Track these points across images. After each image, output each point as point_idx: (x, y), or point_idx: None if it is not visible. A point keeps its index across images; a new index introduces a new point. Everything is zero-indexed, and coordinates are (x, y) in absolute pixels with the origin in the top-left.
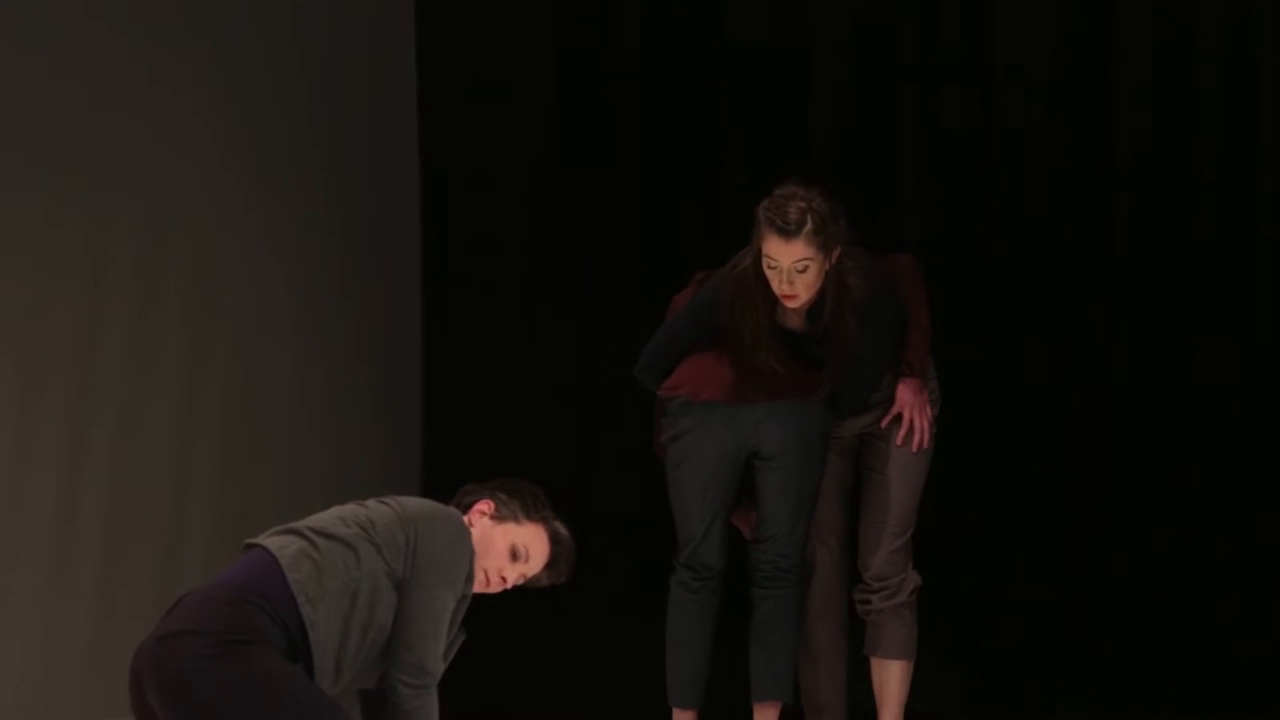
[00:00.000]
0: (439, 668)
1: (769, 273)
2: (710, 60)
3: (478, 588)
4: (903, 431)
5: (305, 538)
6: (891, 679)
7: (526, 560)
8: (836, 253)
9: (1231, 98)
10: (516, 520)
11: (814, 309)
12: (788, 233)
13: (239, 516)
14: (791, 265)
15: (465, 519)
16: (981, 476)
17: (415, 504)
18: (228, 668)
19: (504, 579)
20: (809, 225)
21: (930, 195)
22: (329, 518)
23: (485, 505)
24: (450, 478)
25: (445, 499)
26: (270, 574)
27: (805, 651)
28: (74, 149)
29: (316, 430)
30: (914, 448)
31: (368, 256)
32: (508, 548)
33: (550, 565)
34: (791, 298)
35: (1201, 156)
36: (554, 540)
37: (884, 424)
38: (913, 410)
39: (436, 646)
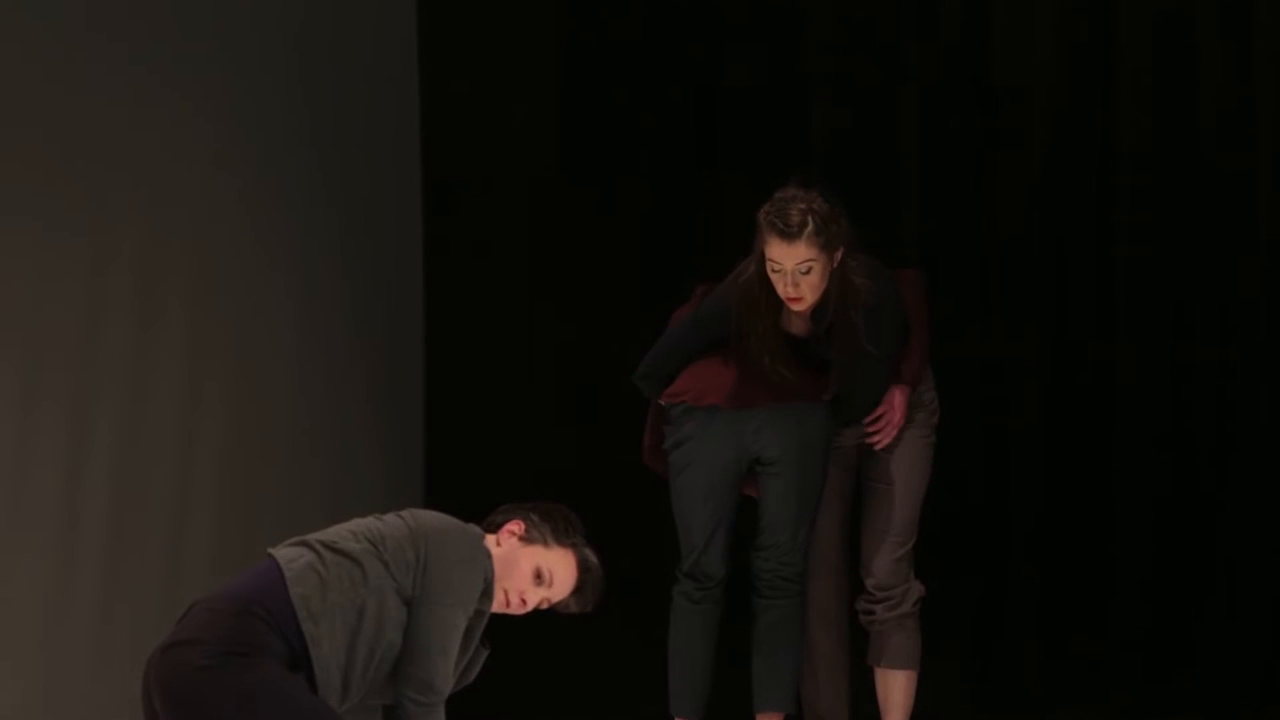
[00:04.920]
0: (447, 686)
1: (773, 276)
2: (710, 62)
3: (498, 608)
4: (875, 421)
5: (315, 551)
6: (896, 689)
7: (550, 585)
8: (839, 253)
9: (1232, 98)
10: (545, 543)
11: (819, 310)
12: (790, 235)
13: (240, 524)
14: (795, 267)
15: (494, 538)
16: (981, 482)
17: (430, 520)
18: (226, 677)
19: (524, 601)
20: (810, 226)
21: (930, 196)
22: (342, 531)
23: (516, 525)
24: (452, 479)
25: (447, 500)
26: (275, 586)
27: (807, 661)
28: (74, 155)
29: (318, 436)
30: (876, 443)
31: (369, 262)
32: (532, 570)
33: (576, 592)
34: (797, 300)
35: (1203, 159)
36: (583, 567)
37: (870, 430)
38: (892, 411)
39: (445, 664)
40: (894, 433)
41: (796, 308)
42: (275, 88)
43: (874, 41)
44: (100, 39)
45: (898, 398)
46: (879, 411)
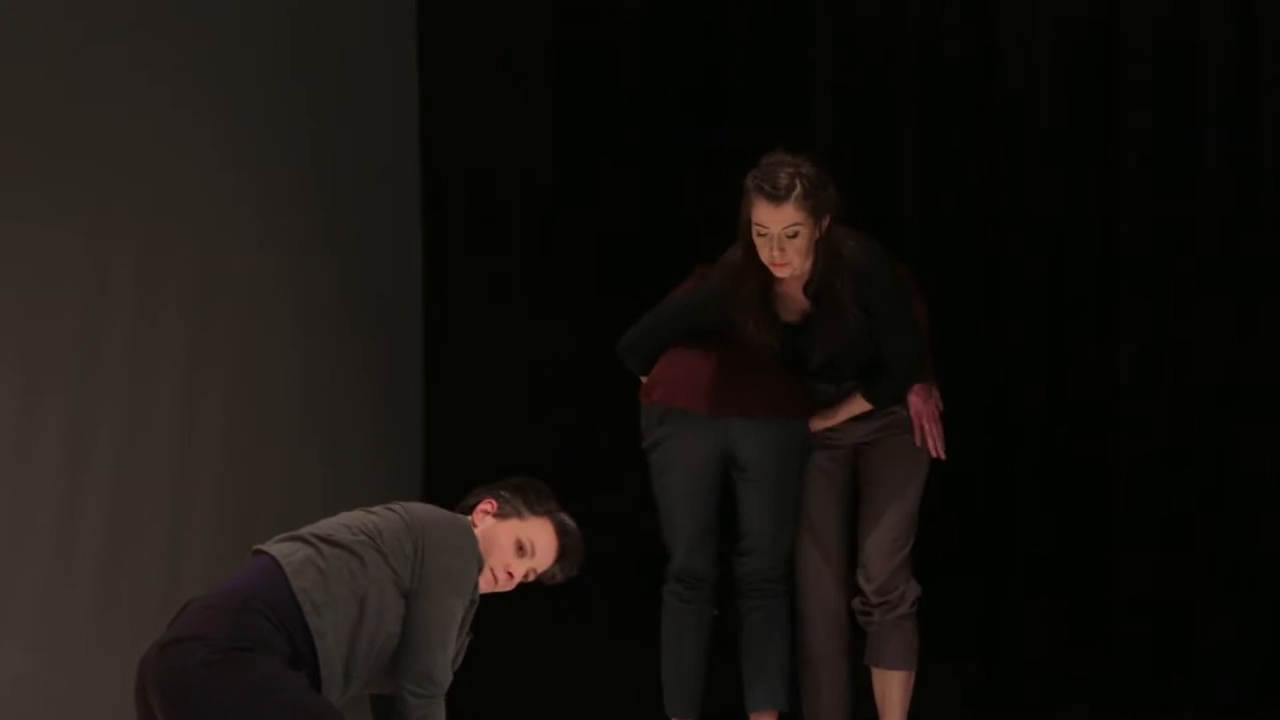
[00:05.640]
0: (447, 677)
1: (758, 241)
2: (711, 60)
3: (488, 587)
4: (917, 437)
5: (311, 545)
6: (894, 689)
7: (533, 554)
8: (827, 221)
9: (1232, 98)
10: (520, 516)
11: (808, 284)
12: (776, 197)
13: (241, 520)
14: (781, 231)
15: (470, 520)
16: (981, 482)
17: (423, 512)
18: (227, 674)
19: (511, 575)
20: (798, 189)
21: (931, 195)
22: (335, 524)
23: (488, 504)
24: (451, 478)
25: (447, 500)
26: (275, 581)
27: (805, 662)
28: (74, 154)
29: (318, 432)
30: (934, 453)
31: (368, 258)
32: (513, 543)
33: (560, 558)
34: (782, 265)
35: (1204, 157)
36: (561, 533)
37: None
38: (924, 418)
39: (444, 656)
40: (939, 437)
41: (781, 273)
42: (275, 88)
43: (874, 43)
44: (100, 39)
45: (920, 401)
46: (913, 419)
